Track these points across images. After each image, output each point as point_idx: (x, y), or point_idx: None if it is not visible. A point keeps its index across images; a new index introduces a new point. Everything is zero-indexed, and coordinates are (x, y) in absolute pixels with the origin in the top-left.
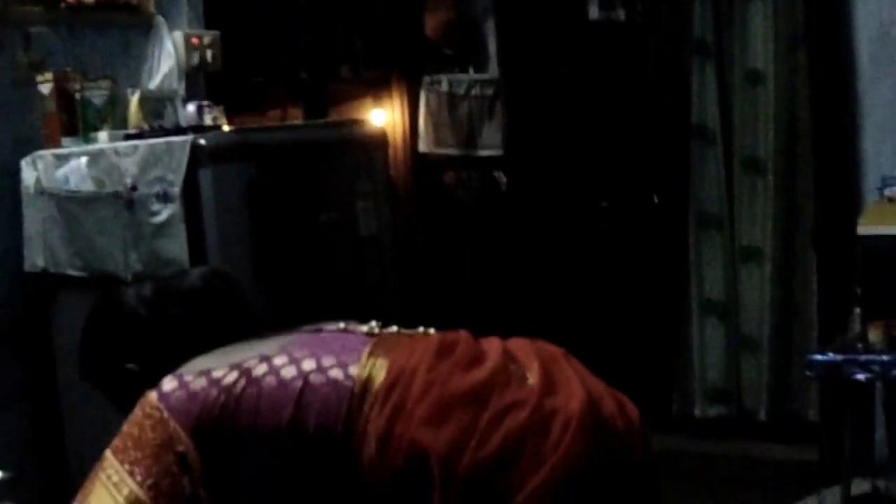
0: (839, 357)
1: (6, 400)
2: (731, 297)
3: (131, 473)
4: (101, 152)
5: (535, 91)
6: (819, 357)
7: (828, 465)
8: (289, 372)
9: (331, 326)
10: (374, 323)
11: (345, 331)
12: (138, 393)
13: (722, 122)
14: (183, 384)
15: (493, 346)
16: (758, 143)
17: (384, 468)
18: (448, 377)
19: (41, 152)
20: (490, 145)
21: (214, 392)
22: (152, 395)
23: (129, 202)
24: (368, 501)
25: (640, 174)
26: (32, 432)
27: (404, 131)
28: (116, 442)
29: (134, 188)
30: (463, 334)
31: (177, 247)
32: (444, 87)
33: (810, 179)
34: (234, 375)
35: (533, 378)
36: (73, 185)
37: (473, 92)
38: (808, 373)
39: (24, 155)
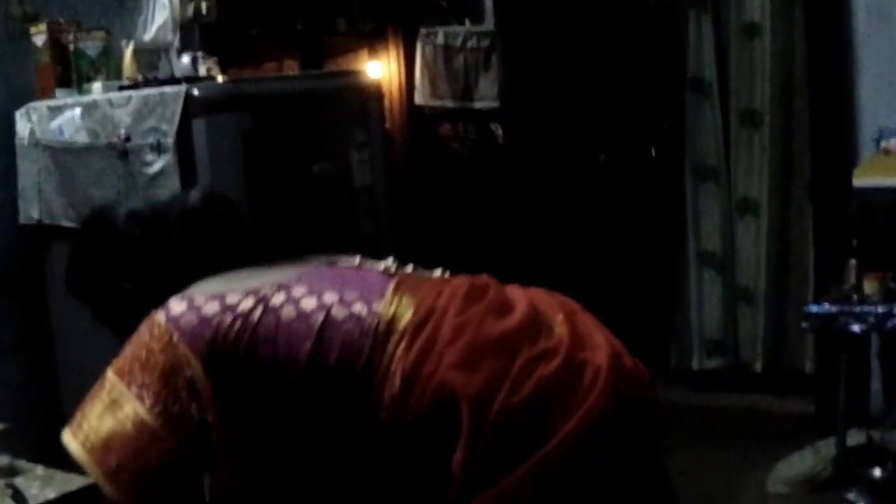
0: (835, 308)
1: (3, 350)
2: (727, 249)
3: (140, 398)
4: (95, 103)
5: (531, 43)
6: (815, 308)
7: (823, 416)
8: (309, 303)
9: (346, 261)
10: (390, 260)
11: (360, 268)
12: (133, 312)
13: (718, 76)
14: (194, 307)
15: (519, 295)
16: (754, 96)
17: (406, 409)
18: (480, 322)
19: (35, 104)
20: (486, 97)
21: (229, 318)
22: (160, 317)
23: (122, 153)
24: (383, 442)
25: (638, 127)
26: (28, 383)
27: (400, 84)
28: (120, 363)
29: (128, 139)
30: (490, 280)
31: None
32: (440, 39)
33: (806, 132)
34: (249, 302)
35: (559, 329)
36: (67, 136)
37: (469, 44)
38: (803, 324)
39: (18, 107)
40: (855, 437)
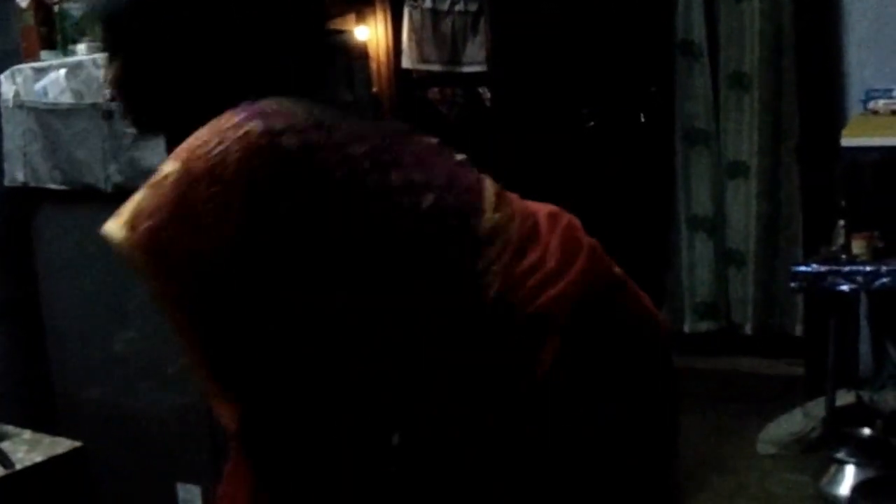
0: (823, 268)
1: None
2: (718, 212)
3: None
4: (80, 64)
5: (520, 6)
6: (803, 268)
7: (813, 377)
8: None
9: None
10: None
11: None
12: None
13: (708, 38)
14: (293, 127)
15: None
16: (743, 59)
17: (493, 312)
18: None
19: (20, 66)
20: (474, 61)
21: (335, 156)
22: (255, 126)
23: (107, 113)
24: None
25: (627, 92)
26: (15, 349)
27: (388, 48)
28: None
29: (113, 99)
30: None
31: (156, 156)
32: (428, 2)
33: (795, 94)
34: (360, 145)
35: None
36: (52, 97)
37: (457, 7)
38: (792, 284)
39: (2, 70)
40: (844, 398)
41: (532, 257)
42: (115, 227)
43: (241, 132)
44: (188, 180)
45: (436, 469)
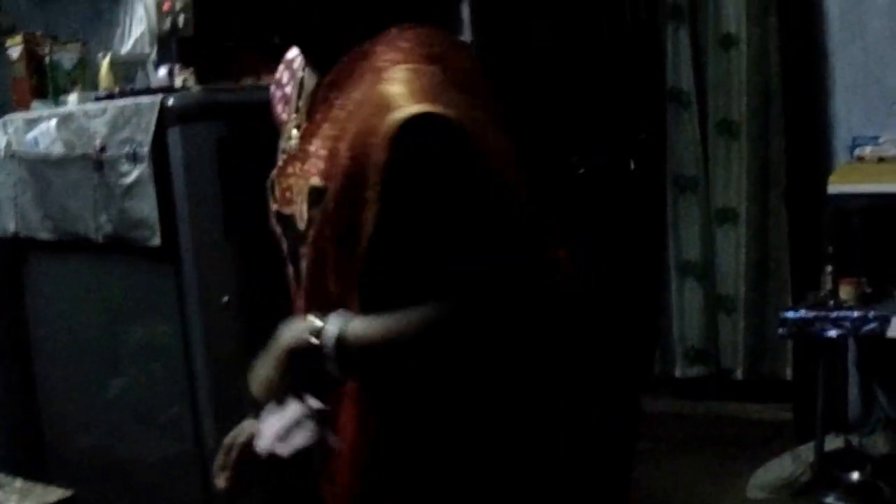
0: (811, 314)
1: None
2: (707, 258)
3: None
4: (71, 114)
5: (509, 54)
6: (791, 314)
7: (802, 422)
8: None
9: None
10: None
11: None
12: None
13: (697, 86)
14: None
15: None
16: (731, 106)
17: None
18: None
19: (11, 116)
20: None
21: None
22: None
23: (98, 163)
24: None
25: (617, 139)
26: (6, 395)
27: None
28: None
29: (103, 149)
30: None
31: (147, 207)
32: None
33: (783, 141)
34: None
35: None
36: (44, 147)
37: None
38: (780, 330)
39: None
40: (833, 442)
41: None
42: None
43: None
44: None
45: None
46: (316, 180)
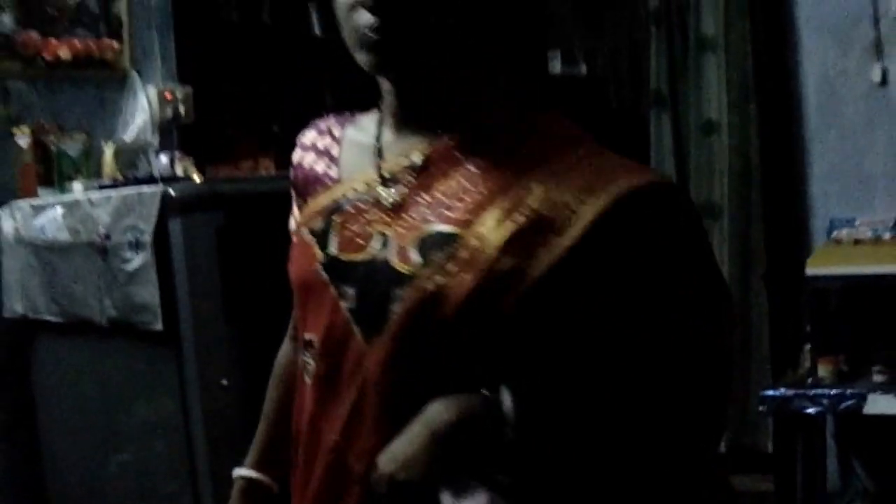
0: (790, 392)
1: None
2: None
3: None
4: (76, 202)
5: None
6: (771, 392)
7: (782, 494)
8: None
9: None
10: None
11: None
12: None
13: (678, 171)
14: None
15: None
16: (713, 190)
17: None
18: None
19: (19, 202)
20: None
21: None
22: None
23: (102, 250)
24: None
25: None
26: (13, 468)
27: None
28: None
29: (107, 237)
30: None
31: (149, 293)
32: None
33: (763, 223)
34: None
35: None
36: (50, 234)
37: None
38: (760, 407)
39: (2, 205)
40: None
41: None
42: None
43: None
44: None
45: None
46: (444, 227)
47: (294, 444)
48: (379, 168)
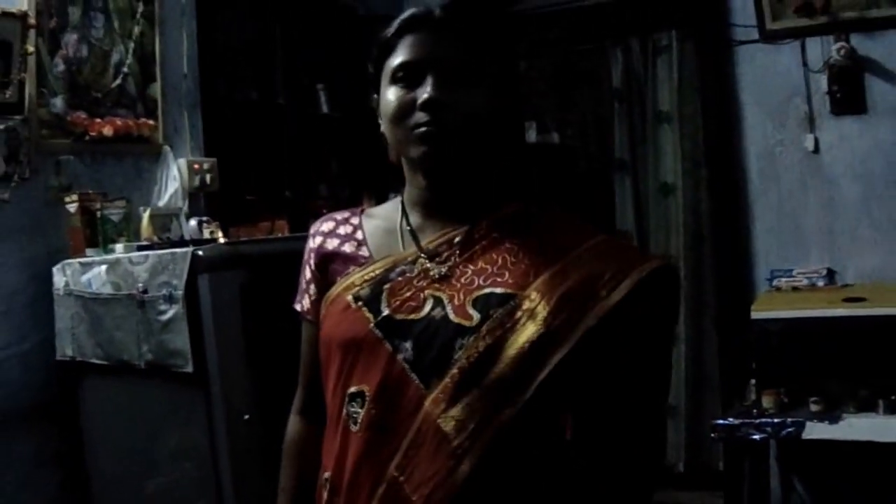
0: (738, 421)
1: (43, 466)
2: None
3: None
4: (118, 261)
5: None
6: (721, 421)
7: None
8: None
9: None
10: None
11: None
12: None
13: (638, 227)
14: None
15: None
16: (669, 244)
17: None
18: None
19: (69, 261)
20: None
21: None
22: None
23: (140, 303)
24: None
25: None
26: (64, 492)
27: None
28: None
29: (145, 291)
30: None
31: (180, 340)
32: None
33: (713, 273)
34: None
35: None
36: (95, 288)
37: None
38: (712, 434)
39: (55, 263)
40: None
41: None
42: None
43: None
44: None
45: None
46: (498, 289)
47: (332, 495)
48: (419, 246)
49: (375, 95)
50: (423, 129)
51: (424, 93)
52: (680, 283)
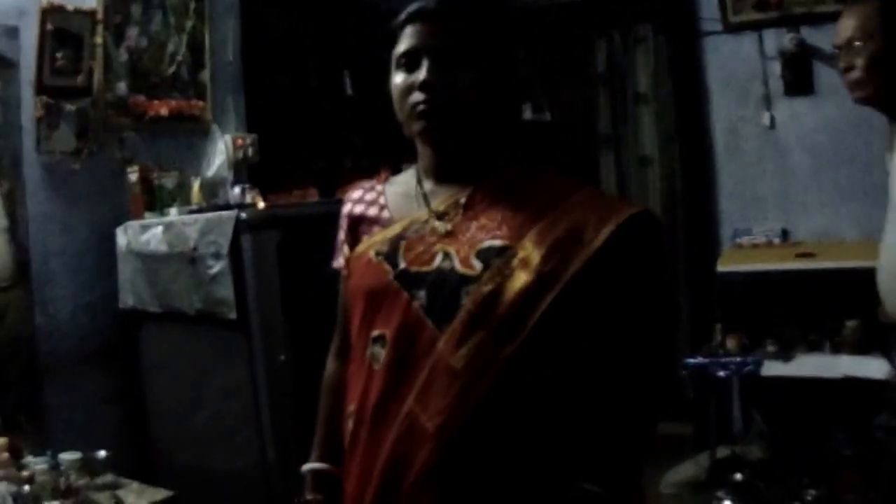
0: (706, 360)
1: (108, 400)
2: None
3: None
4: (172, 223)
5: None
6: (691, 360)
7: (700, 436)
8: None
9: None
10: None
11: None
12: None
13: (620, 194)
14: None
15: None
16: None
17: None
18: None
19: (130, 223)
20: None
21: None
22: None
23: (191, 259)
24: None
25: None
26: (126, 423)
27: None
28: None
29: (195, 249)
30: None
31: (226, 291)
32: None
33: (685, 233)
34: None
35: None
36: (153, 246)
37: None
38: (683, 371)
39: (118, 225)
40: (722, 452)
41: None
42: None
43: None
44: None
45: None
46: (496, 242)
47: (357, 425)
48: (429, 208)
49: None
50: (420, 107)
51: (420, 75)
52: (661, 226)
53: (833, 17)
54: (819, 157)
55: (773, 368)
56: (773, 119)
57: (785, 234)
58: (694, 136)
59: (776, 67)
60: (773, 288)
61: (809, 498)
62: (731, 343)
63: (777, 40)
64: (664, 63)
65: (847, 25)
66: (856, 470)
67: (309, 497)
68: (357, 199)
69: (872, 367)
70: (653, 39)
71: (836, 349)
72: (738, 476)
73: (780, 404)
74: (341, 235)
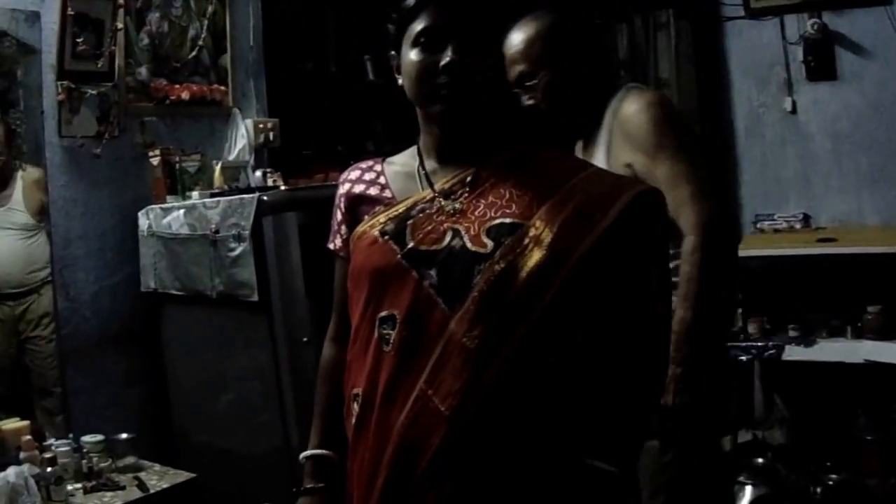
0: (728, 344)
1: (130, 383)
2: None
3: None
4: (194, 206)
5: None
6: None
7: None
8: None
9: None
10: None
11: None
12: None
13: None
14: None
15: None
16: None
17: None
18: None
19: (152, 206)
20: None
21: None
22: None
23: (213, 241)
24: None
25: None
26: (148, 405)
27: None
28: None
29: (217, 231)
30: None
31: (247, 274)
32: None
33: None
34: None
35: None
36: (174, 229)
37: None
38: None
39: (140, 208)
40: (744, 436)
41: None
42: None
43: None
44: None
45: None
46: (506, 220)
47: (364, 408)
48: (432, 187)
49: (393, 53)
50: (443, 91)
51: (446, 56)
52: (663, 199)
53: (855, 3)
54: (841, 142)
55: (794, 353)
56: (794, 104)
57: (806, 219)
58: (715, 120)
59: (798, 53)
60: (794, 273)
61: (831, 482)
62: (752, 328)
63: (799, 25)
64: (686, 48)
65: (514, 58)
66: (877, 454)
67: (309, 485)
68: (356, 179)
69: (894, 352)
70: (674, 25)
71: (858, 334)
72: (760, 460)
73: (801, 389)
74: (338, 216)
